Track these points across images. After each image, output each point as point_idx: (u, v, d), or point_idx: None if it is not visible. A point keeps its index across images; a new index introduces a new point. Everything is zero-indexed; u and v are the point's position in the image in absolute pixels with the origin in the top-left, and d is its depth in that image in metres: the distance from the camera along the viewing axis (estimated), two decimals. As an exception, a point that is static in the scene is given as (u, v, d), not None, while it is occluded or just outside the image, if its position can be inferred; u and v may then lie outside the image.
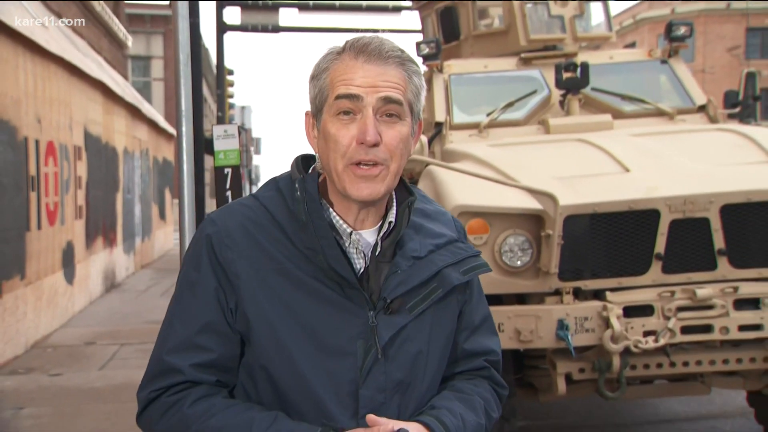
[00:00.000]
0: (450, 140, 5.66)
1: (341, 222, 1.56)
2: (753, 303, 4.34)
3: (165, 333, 1.58)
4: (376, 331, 1.52)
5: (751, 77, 6.21)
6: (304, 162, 1.65)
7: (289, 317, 1.51)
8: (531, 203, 4.31)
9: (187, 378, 1.53)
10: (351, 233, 1.56)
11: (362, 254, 1.57)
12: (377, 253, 1.57)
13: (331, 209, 1.57)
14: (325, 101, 1.52)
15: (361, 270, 1.56)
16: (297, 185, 1.56)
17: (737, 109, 6.12)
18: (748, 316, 4.32)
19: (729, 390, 5.69)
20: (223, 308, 1.54)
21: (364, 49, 1.50)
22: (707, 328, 4.30)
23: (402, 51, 1.54)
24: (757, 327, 4.32)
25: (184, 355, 1.53)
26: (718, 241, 4.34)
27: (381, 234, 1.58)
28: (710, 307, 4.29)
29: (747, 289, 4.34)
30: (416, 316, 1.56)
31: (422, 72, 1.61)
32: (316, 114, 1.56)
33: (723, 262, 4.37)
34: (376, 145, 1.48)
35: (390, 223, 1.59)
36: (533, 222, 4.33)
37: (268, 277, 1.52)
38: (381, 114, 1.49)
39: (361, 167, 1.49)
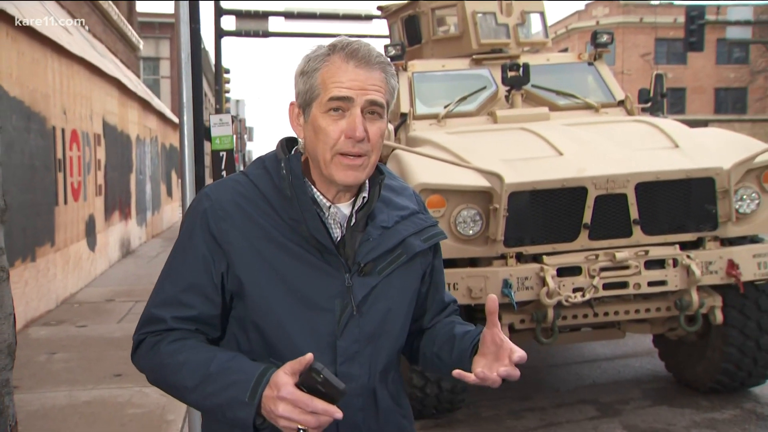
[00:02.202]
0: (413, 128, 5.63)
1: (321, 197, 1.52)
2: (660, 263, 4.42)
3: (156, 290, 1.55)
4: (352, 291, 1.50)
5: (659, 78, 6.27)
6: (288, 143, 1.61)
7: (275, 279, 1.47)
8: (481, 182, 4.32)
9: (169, 326, 1.50)
10: (330, 207, 1.52)
11: (339, 225, 1.53)
12: (352, 224, 1.54)
13: (312, 186, 1.53)
14: (316, 98, 1.47)
15: (338, 238, 1.53)
16: (283, 164, 1.52)
17: (649, 104, 6.17)
18: (656, 274, 4.39)
19: (639, 334, 5.79)
20: (211, 273, 1.49)
21: (354, 55, 1.45)
22: (624, 285, 4.36)
23: (383, 56, 1.50)
24: (662, 283, 4.40)
25: (168, 308, 1.50)
26: (633, 213, 4.39)
27: (355, 207, 1.55)
28: (626, 267, 4.35)
29: (655, 252, 4.42)
30: (385, 278, 1.53)
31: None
32: (304, 106, 1.51)
33: (637, 230, 4.42)
34: (361, 139, 1.45)
35: (364, 198, 1.56)
36: (483, 197, 4.33)
37: (257, 244, 1.48)
38: (366, 113, 1.46)
39: (347, 157, 1.46)
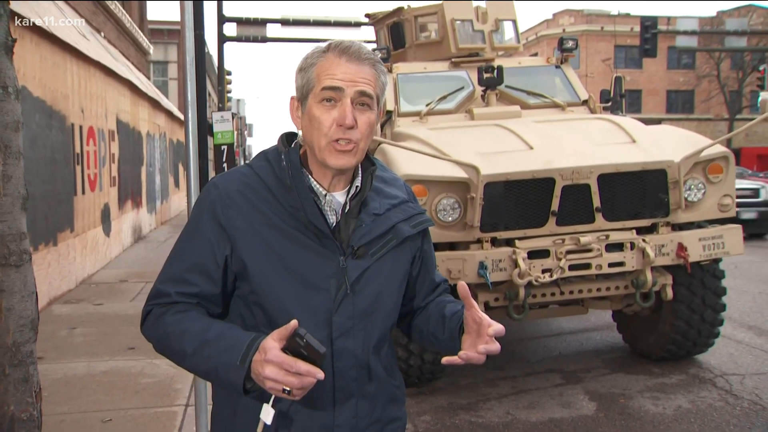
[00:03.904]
0: (398, 125, 5.60)
1: (318, 186, 1.50)
2: (619, 246, 4.42)
3: (164, 268, 1.53)
4: (346, 272, 1.48)
5: (618, 81, 6.27)
6: (288, 137, 1.59)
7: (276, 261, 1.45)
8: (459, 173, 4.30)
9: (173, 300, 1.49)
10: (326, 195, 1.50)
11: (334, 212, 1.51)
12: (346, 211, 1.51)
13: (310, 176, 1.51)
14: (312, 90, 1.45)
15: (334, 224, 1.50)
16: (283, 156, 1.50)
17: (609, 104, 6.17)
18: (615, 256, 4.40)
19: (600, 310, 5.84)
20: (215, 255, 1.47)
21: (346, 51, 1.44)
22: (587, 266, 4.37)
23: (374, 54, 1.48)
24: (620, 264, 4.41)
25: (174, 284, 1.48)
26: (596, 201, 4.39)
27: (349, 195, 1.53)
28: (589, 250, 4.36)
29: (615, 237, 4.42)
30: (376, 261, 1.52)
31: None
32: (301, 99, 1.49)
33: (599, 217, 4.42)
34: (351, 127, 1.43)
35: (357, 187, 1.54)
36: (461, 187, 4.31)
37: (260, 229, 1.46)
38: (356, 103, 1.44)
39: (339, 143, 1.44)
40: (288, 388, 1.28)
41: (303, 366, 1.27)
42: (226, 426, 1.52)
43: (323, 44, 1.49)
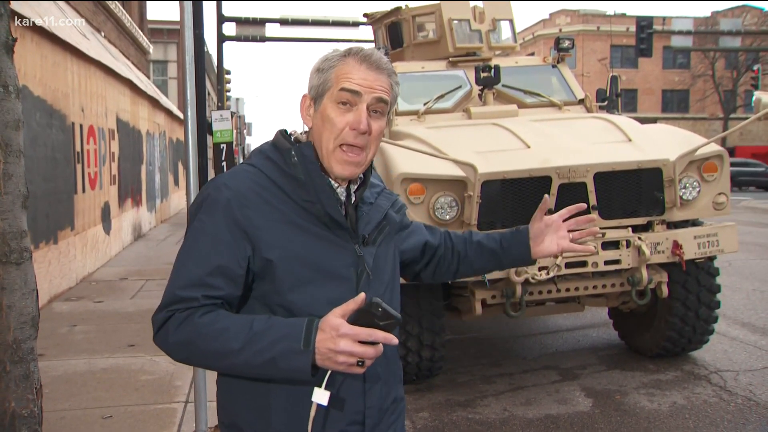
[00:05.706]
0: (396, 123, 5.59)
1: (331, 180, 1.52)
2: (614, 244, 4.42)
3: (179, 273, 1.44)
4: (363, 259, 1.51)
5: (614, 80, 6.26)
6: (285, 136, 1.59)
7: (298, 256, 1.45)
8: (457, 171, 4.29)
9: (200, 303, 1.41)
10: (337, 187, 1.52)
11: (341, 203, 1.53)
12: (352, 202, 1.55)
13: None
14: (328, 90, 1.47)
15: (344, 215, 1.53)
16: (293, 152, 1.50)
17: (605, 103, 6.16)
18: (611, 254, 4.40)
19: (596, 307, 5.83)
20: (236, 257, 1.43)
21: (367, 58, 1.47)
22: (583, 263, 4.36)
23: (391, 65, 1.51)
24: (616, 261, 4.41)
25: (197, 289, 1.41)
26: (592, 200, 4.38)
27: (355, 188, 1.56)
28: (585, 248, 4.35)
29: (611, 235, 4.41)
30: (378, 246, 1.56)
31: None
32: (316, 98, 1.51)
33: (595, 215, 4.40)
34: (364, 132, 1.45)
35: (360, 178, 1.56)
36: (458, 185, 4.31)
37: (279, 227, 1.44)
38: (371, 110, 1.46)
39: (347, 154, 1.46)
40: (362, 360, 1.27)
41: (380, 334, 1.27)
42: (254, 425, 1.49)
43: (342, 48, 1.51)
